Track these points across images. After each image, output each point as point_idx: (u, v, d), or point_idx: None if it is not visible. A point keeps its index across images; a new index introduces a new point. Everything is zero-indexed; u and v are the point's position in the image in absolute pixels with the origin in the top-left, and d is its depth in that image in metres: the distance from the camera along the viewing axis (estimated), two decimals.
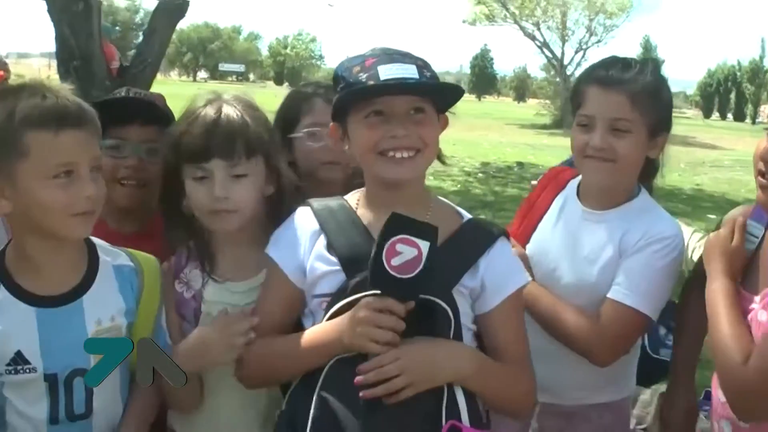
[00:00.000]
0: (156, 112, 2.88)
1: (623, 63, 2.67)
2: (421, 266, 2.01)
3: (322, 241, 2.28)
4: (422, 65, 2.21)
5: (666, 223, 2.68)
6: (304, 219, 2.35)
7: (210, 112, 2.41)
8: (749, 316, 2.26)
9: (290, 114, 3.03)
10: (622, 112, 2.59)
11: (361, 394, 2.05)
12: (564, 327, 2.57)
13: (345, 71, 2.23)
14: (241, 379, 2.39)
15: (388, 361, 2.05)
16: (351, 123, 2.24)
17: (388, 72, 2.14)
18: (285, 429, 2.22)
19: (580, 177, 2.84)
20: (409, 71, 2.16)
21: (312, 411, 2.12)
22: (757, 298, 2.27)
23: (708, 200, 14.28)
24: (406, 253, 2.01)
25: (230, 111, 2.43)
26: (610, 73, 2.64)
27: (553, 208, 2.87)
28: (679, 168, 19.57)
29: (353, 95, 2.19)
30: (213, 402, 2.52)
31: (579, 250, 2.71)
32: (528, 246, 2.84)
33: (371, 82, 2.14)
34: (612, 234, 2.66)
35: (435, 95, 2.26)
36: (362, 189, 2.37)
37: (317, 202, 2.36)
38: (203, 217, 2.45)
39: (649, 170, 2.79)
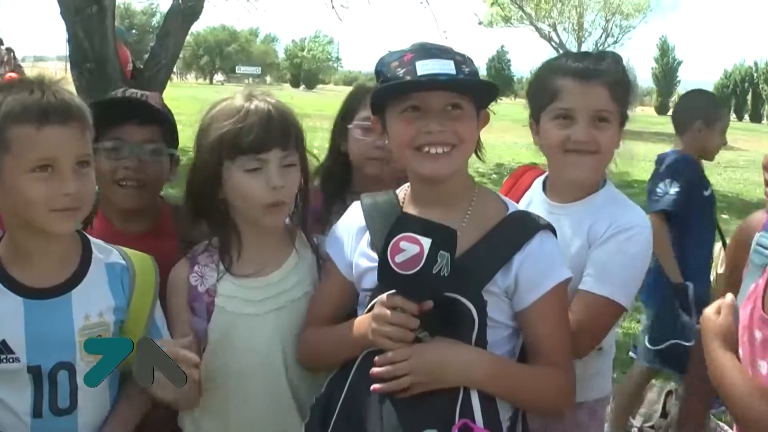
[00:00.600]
0: (153, 112, 2.85)
1: (595, 55, 2.70)
2: (422, 262, 2.03)
3: (366, 237, 2.35)
4: (461, 61, 2.22)
5: (633, 212, 2.65)
6: (353, 215, 2.44)
7: (261, 105, 2.46)
8: None
9: (351, 106, 3.11)
10: (604, 104, 2.59)
11: (372, 387, 2.13)
12: None
13: (384, 66, 2.28)
14: (300, 362, 2.50)
15: (399, 358, 2.11)
16: (389, 117, 2.29)
17: (424, 68, 2.17)
18: (319, 411, 2.32)
19: (544, 174, 2.83)
20: (447, 67, 2.18)
21: (343, 395, 2.25)
22: None
23: (721, 200, 14.14)
24: (409, 250, 2.05)
25: (278, 104, 2.51)
26: (586, 65, 2.63)
27: (519, 206, 2.77)
28: None
29: (388, 90, 2.24)
30: (224, 405, 2.55)
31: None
32: None
33: (408, 78, 2.17)
34: (579, 225, 2.63)
35: (470, 91, 2.27)
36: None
37: (367, 198, 2.44)
38: (254, 211, 2.48)
39: None
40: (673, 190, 4.82)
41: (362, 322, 2.25)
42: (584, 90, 2.59)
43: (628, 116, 2.70)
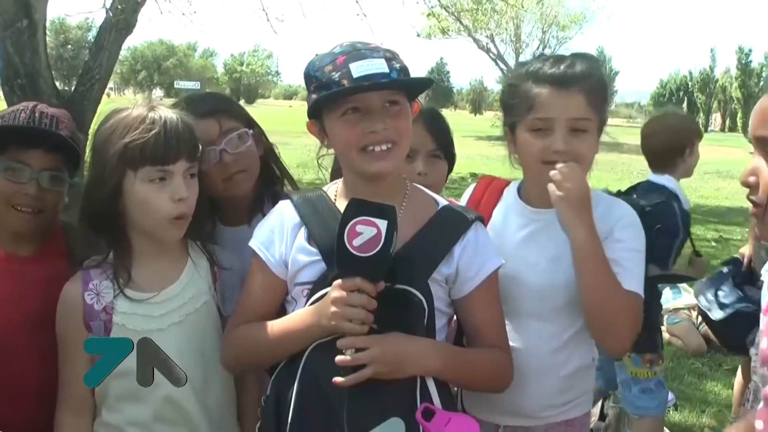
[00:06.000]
0: (62, 141, 2.74)
1: (571, 58, 2.59)
2: (381, 243, 2.08)
3: (302, 233, 2.35)
4: (390, 57, 2.27)
5: (622, 206, 2.66)
6: (284, 212, 2.41)
7: (168, 114, 2.44)
8: None
9: None
10: (582, 112, 2.51)
11: (333, 380, 2.13)
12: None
13: (317, 71, 2.28)
14: (224, 365, 2.48)
15: (360, 345, 2.13)
16: (328, 121, 2.32)
17: (359, 69, 2.20)
18: (271, 410, 2.31)
19: (516, 183, 2.78)
20: (380, 66, 2.22)
21: (295, 391, 2.23)
22: None
23: None
24: (366, 233, 2.09)
25: (182, 115, 2.49)
26: (563, 70, 2.54)
27: (496, 217, 2.76)
28: (632, 175, 19.81)
29: (329, 97, 2.24)
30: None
31: (542, 252, 2.62)
32: None
33: (344, 81, 2.20)
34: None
35: (410, 88, 2.35)
36: (340, 180, 2.44)
37: (297, 195, 2.44)
38: (156, 225, 2.45)
39: None
40: None
41: (309, 312, 2.25)
42: (561, 99, 2.51)
43: (606, 121, 2.65)
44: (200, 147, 2.54)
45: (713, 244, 12.58)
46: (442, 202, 2.45)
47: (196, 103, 2.88)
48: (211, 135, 2.78)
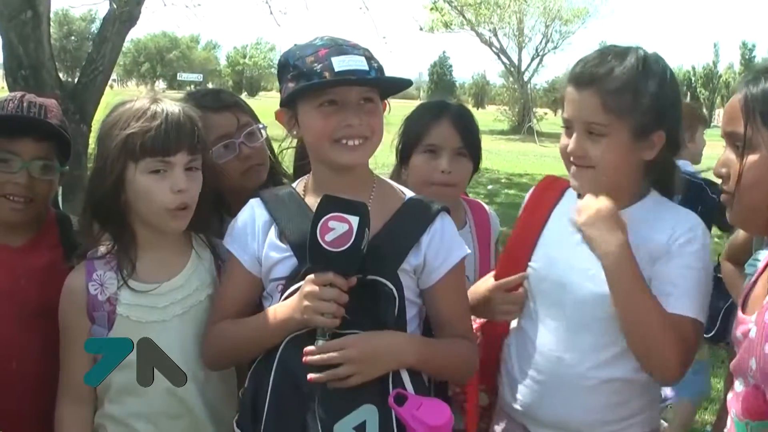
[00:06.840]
0: (50, 129, 2.74)
1: (601, 58, 2.42)
2: (353, 238, 2.13)
3: (273, 230, 2.37)
4: (369, 56, 2.34)
5: (689, 217, 2.49)
6: (255, 210, 2.44)
7: (170, 107, 2.45)
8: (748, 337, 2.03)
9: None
10: (595, 116, 2.37)
11: (308, 377, 2.17)
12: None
13: (298, 60, 2.32)
14: (205, 363, 2.49)
15: (333, 348, 2.18)
16: (303, 110, 2.35)
17: (342, 64, 2.26)
18: (248, 403, 2.35)
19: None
20: (360, 63, 2.29)
21: (271, 383, 2.27)
22: (752, 317, 2.03)
23: None
24: (338, 229, 2.14)
25: (185, 108, 2.51)
26: (585, 70, 2.42)
27: (554, 218, 2.65)
28: None
29: (312, 87, 2.27)
30: (132, 423, 2.52)
31: (593, 257, 2.37)
32: (533, 260, 2.63)
33: (326, 73, 2.25)
34: (632, 235, 2.34)
35: (384, 87, 2.41)
36: (308, 176, 2.47)
37: (267, 193, 2.47)
38: (158, 216, 2.46)
39: (660, 172, 2.54)
40: None
41: (283, 307, 2.28)
42: (576, 100, 2.43)
43: (653, 124, 2.40)
44: (204, 140, 2.54)
45: (716, 240, 12.56)
46: (409, 193, 2.49)
47: (211, 96, 3.00)
48: (229, 128, 2.89)
